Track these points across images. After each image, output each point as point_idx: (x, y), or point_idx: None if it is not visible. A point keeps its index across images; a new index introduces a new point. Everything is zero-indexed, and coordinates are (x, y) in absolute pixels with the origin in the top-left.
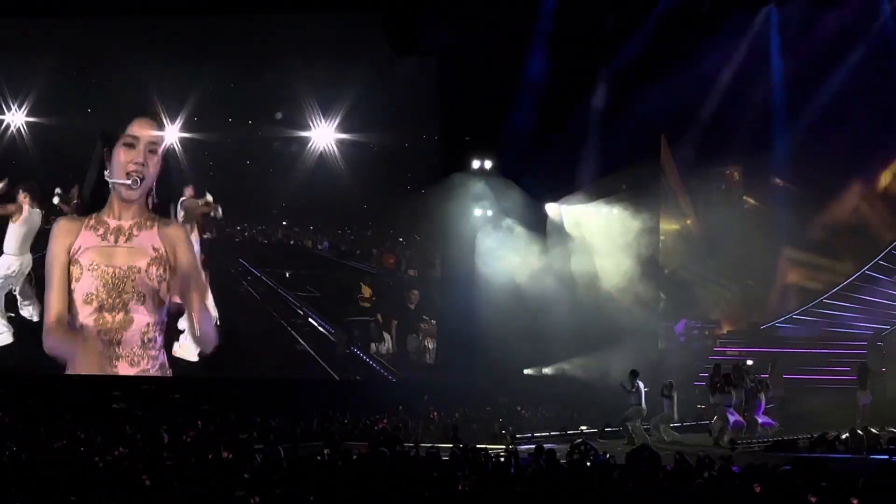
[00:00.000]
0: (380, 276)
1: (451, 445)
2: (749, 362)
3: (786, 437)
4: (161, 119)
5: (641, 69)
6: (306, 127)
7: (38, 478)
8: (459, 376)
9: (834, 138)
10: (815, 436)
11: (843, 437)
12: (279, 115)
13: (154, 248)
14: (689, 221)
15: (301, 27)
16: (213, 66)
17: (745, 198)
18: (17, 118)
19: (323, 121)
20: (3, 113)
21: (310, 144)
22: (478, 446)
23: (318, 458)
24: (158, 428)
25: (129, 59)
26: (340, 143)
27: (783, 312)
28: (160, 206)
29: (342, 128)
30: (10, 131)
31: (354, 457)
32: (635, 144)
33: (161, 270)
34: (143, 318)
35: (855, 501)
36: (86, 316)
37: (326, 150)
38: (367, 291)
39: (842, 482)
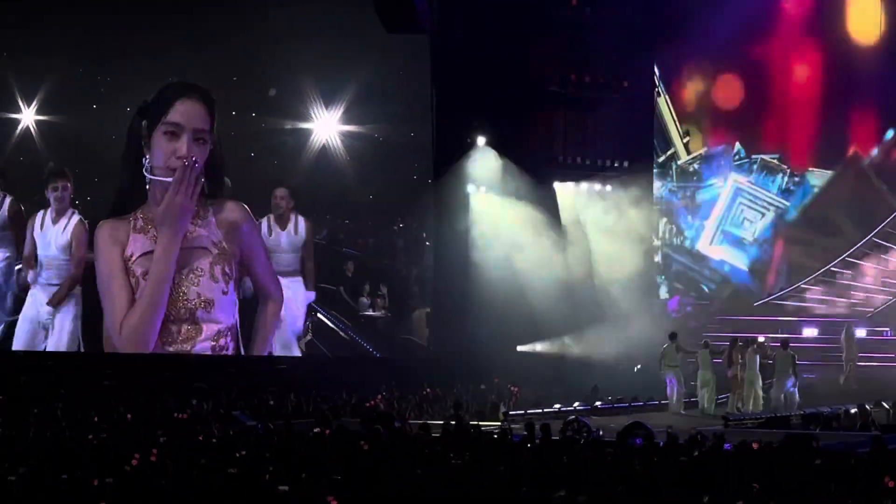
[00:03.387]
0: (362, 257)
1: (443, 422)
2: (761, 339)
3: (779, 414)
4: (210, 99)
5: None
6: (308, 118)
7: (29, 455)
8: (453, 353)
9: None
10: (806, 411)
11: (839, 413)
12: (273, 92)
13: (214, 243)
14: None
15: (296, 10)
16: (216, 58)
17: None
18: (27, 116)
19: (325, 112)
20: (18, 112)
21: (312, 136)
22: (471, 423)
23: (311, 435)
24: (151, 405)
25: (126, 54)
26: (343, 134)
27: (777, 289)
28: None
29: (344, 119)
30: (19, 129)
31: (348, 434)
32: (632, 118)
33: (227, 268)
34: (212, 326)
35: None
36: None
37: (329, 141)
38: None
39: (834, 459)
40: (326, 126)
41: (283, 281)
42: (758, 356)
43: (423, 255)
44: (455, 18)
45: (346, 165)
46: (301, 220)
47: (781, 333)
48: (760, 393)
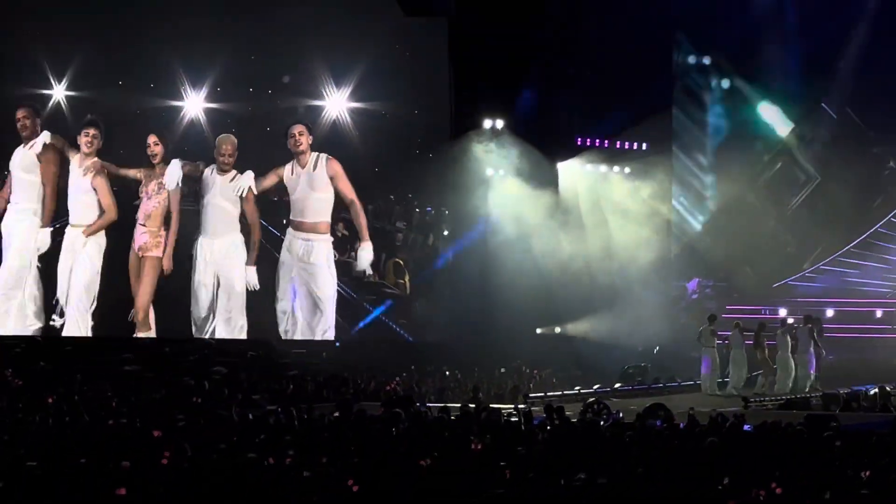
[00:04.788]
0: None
1: (461, 405)
2: (790, 320)
3: (799, 396)
4: None
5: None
6: (321, 96)
7: (47, 439)
8: (472, 337)
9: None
10: (825, 392)
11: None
12: (286, 79)
13: None
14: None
15: None
16: (235, 36)
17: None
18: (58, 93)
19: (335, 89)
20: (50, 88)
21: (324, 113)
22: (491, 406)
23: (331, 419)
24: (171, 389)
25: (152, 31)
26: (353, 111)
27: (796, 270)
28: None
29: (355, 96)
30: (50, 105)
31: (368, 417)
32: (650, 98)
33: None
34: None
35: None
36: None
37: (340, 118)
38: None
39: (854, 441)
40: (337, 103)
41: (305, 236)
42: (788, 337)
43: (420, 220)
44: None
45: (354, 140)
46: (323, 157)
47: (800, 314)
48: (792, 374)
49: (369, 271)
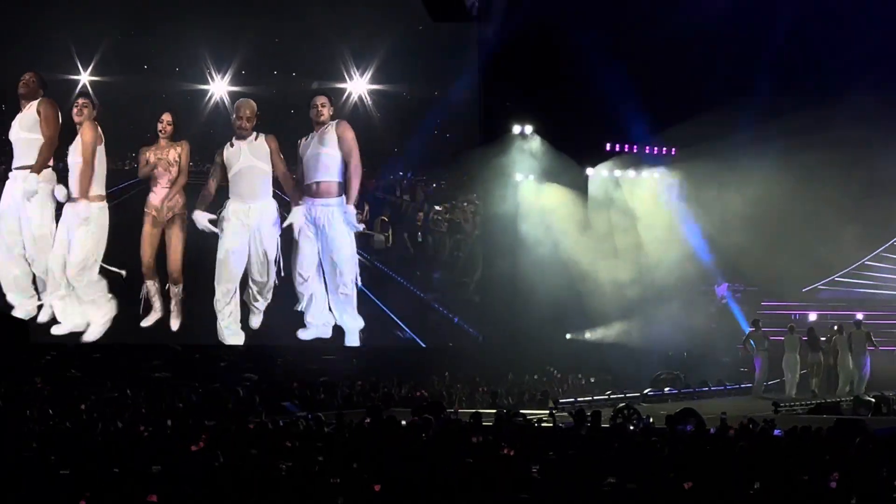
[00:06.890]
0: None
1: (494, 411)
2: (835, 327)
3: (829, 400)
4: None
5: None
6: (342, 79)
7: (78, 448)
8: (503, 343)
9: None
10: (856, 396)
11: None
12: (315, 85)
13: None
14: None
15: None
16: (259, 18)
17: None
18: (84, 78)
19: (357, 72)
20: (78, 74)
21: (345, 95)
22: (521, 411)
23: (362, 425)
24: (200, 396)
25: (178, 15)
26: (375, 92)
27: (825, 275)
28: None
29: (379, 79)
30: (77, 89)
31: (398, 424)
32: (678, 104)
33: None
34: None
35: None
36: None
37: (362, 99)
38: None
39: (884, 445)
40: (359, 86)
41: (322, 201)
42: (846, 340)
43: (420, 194)
44: (500, 5)
45: (374, 120)
46: (334, 122)
47: (830, 319)
48: (851, 377)
49: (360, 228)
